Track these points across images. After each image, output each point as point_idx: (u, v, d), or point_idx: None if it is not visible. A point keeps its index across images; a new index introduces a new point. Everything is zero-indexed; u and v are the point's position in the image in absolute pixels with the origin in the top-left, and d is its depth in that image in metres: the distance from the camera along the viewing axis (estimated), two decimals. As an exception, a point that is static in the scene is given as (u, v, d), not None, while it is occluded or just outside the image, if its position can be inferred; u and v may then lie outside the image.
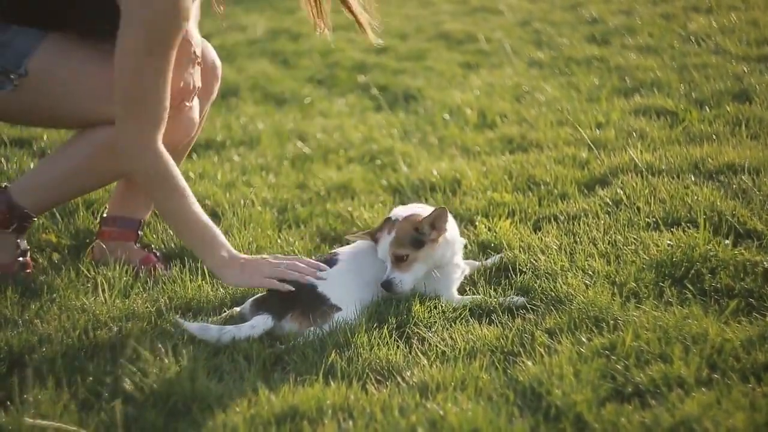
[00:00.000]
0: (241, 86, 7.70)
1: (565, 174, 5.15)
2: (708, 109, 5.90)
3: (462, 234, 4.47)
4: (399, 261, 3.85)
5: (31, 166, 5.42)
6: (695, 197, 4.51)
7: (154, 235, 4.60)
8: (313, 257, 4.01)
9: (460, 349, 3.55)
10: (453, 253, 3.97)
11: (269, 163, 5.86)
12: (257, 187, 5.38)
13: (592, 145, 5.52)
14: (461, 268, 4.04)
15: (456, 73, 7.90)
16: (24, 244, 4.19)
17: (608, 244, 4.25)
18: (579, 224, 4.50)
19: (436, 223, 3.87)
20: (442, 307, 3.84)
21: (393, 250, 3.85)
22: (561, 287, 3.87)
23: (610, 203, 4.68)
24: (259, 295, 3.93)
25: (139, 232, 4.42)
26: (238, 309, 3.93)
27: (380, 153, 5.97)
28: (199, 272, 4.25)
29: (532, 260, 4.16)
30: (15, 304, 3.97)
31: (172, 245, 4.54)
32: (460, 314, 3.81)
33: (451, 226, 3.97)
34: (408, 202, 5.17)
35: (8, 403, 3.29)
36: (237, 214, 4.92)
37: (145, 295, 4.06)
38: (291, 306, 3.74)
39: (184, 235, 3.92)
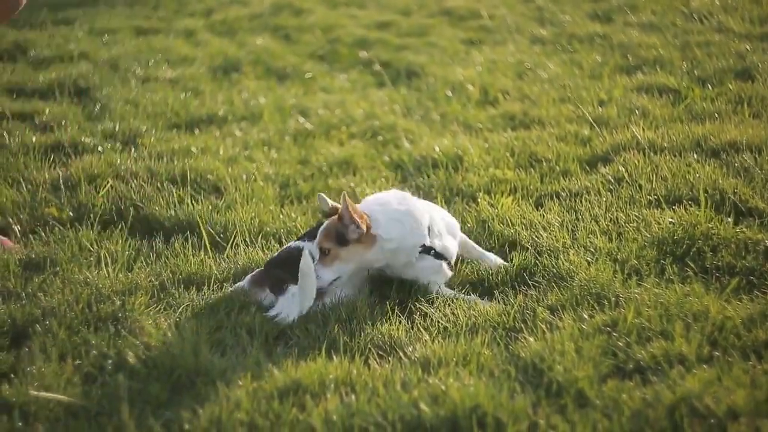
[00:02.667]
0: (242, 61, 7.68)
1: (567, 151, 5.14)
2: (710, 87, 5.89)
3: (462, 211, 4.49)
4: (322, 254, 3.74)
5: (33, 140, 5.43)
6: (697, 175, 4.51)
7: (156, 208, 4.60)
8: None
9: (462, 325, 3.57)
10: (403, 258, 3.80)
11: (271, 138, 5.86)
12: (259, 162, 5.38)
13: (594, 123, 5.51)
14: (435, 270, 3.84)
15: (458, 50, 7.88)
16: None
17: (610, 221, 4.26)
18: (581, 201, 4.50)
19: (356, 222, 3.72)
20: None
21: (318, 241, 3.78)
22: (563, 264, 3.88)
23: (612, 180, 4.69)
24: (256, 272, 3.97)
25: None
26: (236, 285, 3.96)
27: (382, 129, 5.96)
28: (202, 247, 4.26)
29: (534, 237, 4.17)
30: (18, 277, 3.98)
31: (179, 218, 4.55)
32: (463, 290, 3.85)
33: (396, 232, 3.78)
34: (410, 178, 5.20)
35: (12, 375, 3.32)
36: (239, 189, 4.92)
37: (147, 269, 4.07)
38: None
39: None
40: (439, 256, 3.84)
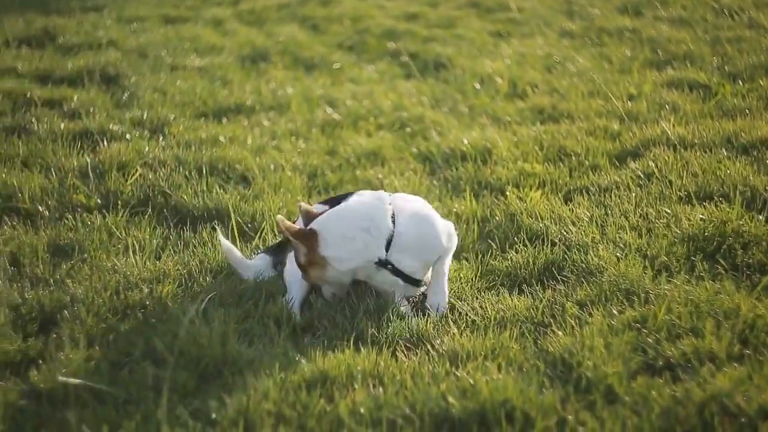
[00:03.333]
0: (270, 50, 7.68)
1: (596, 145, 5.12)
2: (741, 83, 5.85)
3: (491, 204, 4.48)
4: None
5: (62, 127, 5.44)
6: (728, 171, 4.48)
7: (184, 197, 4.60)
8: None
9: (490, 319, 3.55)
10: (362, 274, 3.66)
11: (299, 129, 5.85)
12: (287, 152, 5.37)
13: (623, 117, 5.49)
14: (392, 283, 3.68)
15: (486, 42, 7.85)
16: None
17: (640, 217, 4.23)
18: (610, 196, 4.48)
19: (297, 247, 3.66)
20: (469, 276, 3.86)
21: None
22: (592, 259, 3.86)
23: (642, 176, 4.66)
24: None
25: None
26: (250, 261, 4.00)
27: (410, 121, 5.94)
28: (229, 235, 4.26)
29: (562, 231, 4.15)
30: (46, 264, 4.00)
31: (207, 207, 4.55)
32: (491, 284, 3.84)
33: (347, 251, 3.61)
34: (438, 171, 5.18)
35: (40, 361, 3.34)
36: (267, 178, 4.92)
37: (175, 258, 4.07)
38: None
39: None
40: (397, 271, 3.63)
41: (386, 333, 3.46)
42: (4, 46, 7.21)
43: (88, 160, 4.94)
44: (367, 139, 5.68)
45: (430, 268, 3.75)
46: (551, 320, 3.49)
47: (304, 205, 3.78)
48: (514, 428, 2.93)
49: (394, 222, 3.67)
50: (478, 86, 6.61)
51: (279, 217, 3.73)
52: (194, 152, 5.14)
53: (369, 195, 3.85)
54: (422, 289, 3.76)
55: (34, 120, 5.49)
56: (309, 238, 3.65)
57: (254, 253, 4.13)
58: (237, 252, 4.00)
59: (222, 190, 4.70)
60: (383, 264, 3.64)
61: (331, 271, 3.66)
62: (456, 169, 5.01)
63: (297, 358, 3.27)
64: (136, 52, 7.24)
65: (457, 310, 3.63)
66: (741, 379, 3.03)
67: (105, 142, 5.24)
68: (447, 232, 3.77)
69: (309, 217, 3.74)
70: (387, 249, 3.64)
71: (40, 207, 4.49)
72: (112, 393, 3.15)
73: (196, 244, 4.18)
